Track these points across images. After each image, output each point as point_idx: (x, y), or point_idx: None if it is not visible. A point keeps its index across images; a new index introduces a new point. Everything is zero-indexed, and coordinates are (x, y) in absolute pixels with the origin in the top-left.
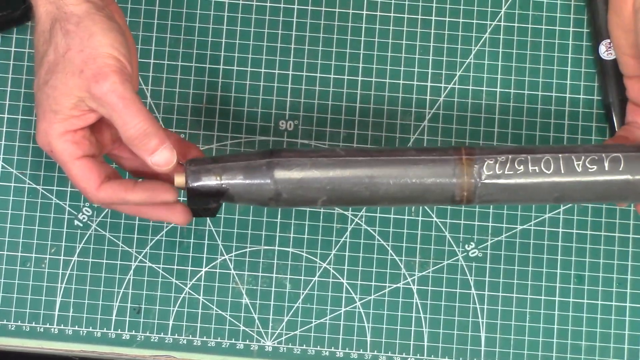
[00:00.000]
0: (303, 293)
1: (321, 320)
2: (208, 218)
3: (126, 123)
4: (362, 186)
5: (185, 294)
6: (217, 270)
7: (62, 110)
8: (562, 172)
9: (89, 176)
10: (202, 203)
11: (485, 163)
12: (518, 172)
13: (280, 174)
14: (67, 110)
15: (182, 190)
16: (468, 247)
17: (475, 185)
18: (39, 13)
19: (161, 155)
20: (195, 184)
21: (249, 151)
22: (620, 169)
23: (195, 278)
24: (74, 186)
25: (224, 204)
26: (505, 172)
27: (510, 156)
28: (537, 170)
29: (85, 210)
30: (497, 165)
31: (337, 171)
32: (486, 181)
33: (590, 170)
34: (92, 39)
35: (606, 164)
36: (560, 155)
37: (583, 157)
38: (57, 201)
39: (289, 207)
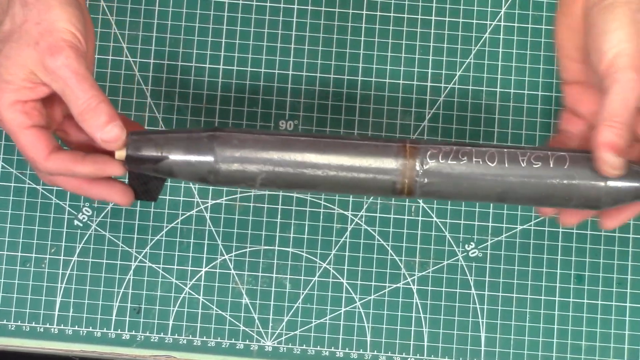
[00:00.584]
0: (303, 293)
1: (321, 320)
2: (209, 221)
3: (78, 98)
4: (302, 167)
5: (185, 294)
6: (217, 270)
7: (13, 80)
8: (506, 165)
9: (38, 145)
10: (142, 178)
11: (429, 152)
12: (461, 163)
13: (221, 147)
14: (19, 80)
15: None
16: (468, 247)
17: (416, 174)
18: None
19: (111, 132)
20: (135, 154)
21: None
22: (565, 167)
23: (195, 278)
24: (22, 156)
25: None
26: (448, 162)
27: (454, 147)
28: (481, 162)
29: (85, 210)
30: (441, 154)
31: (277, 149)
32: (427, 169)
33: (535, 165)
34: (50, 12)
35: (551, 162)
36: (505, 150)
37: (528, 154)
38: (57, 201)
39: (228, 185)
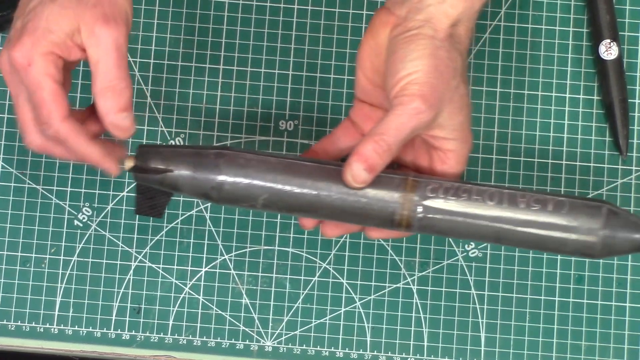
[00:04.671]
0: (303, 293)
1: (321, 320)
2: (209, 221)
3: (108, 73)
4: (305, 189)
5: (185, 294)
6: (217, 270)
7: (57, 31)
8: (505, 205)
9: (60, 102)
10: (149, 193)
11: (430, 186)
12: (461, 199)
13: (226, 165)
14: (62, 33)
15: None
16: (468, 247)
17: (416, 205)
18: None
19: (125, 120)
20: (143, 164)
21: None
22: (564, 212)
23: (195, 278)
24: (37, 108)
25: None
26: (448, 198)
27: (456, 184)
28: (480, 200)
29: (85, 210)
30: (441, 189)
31: (281, 172)
32: (427, 204)
33: (533, 208)
34: None
35: (550, 206)
36: (505, 191)
37: (528, 196)
38: (57, 201)
39: (230, 203)
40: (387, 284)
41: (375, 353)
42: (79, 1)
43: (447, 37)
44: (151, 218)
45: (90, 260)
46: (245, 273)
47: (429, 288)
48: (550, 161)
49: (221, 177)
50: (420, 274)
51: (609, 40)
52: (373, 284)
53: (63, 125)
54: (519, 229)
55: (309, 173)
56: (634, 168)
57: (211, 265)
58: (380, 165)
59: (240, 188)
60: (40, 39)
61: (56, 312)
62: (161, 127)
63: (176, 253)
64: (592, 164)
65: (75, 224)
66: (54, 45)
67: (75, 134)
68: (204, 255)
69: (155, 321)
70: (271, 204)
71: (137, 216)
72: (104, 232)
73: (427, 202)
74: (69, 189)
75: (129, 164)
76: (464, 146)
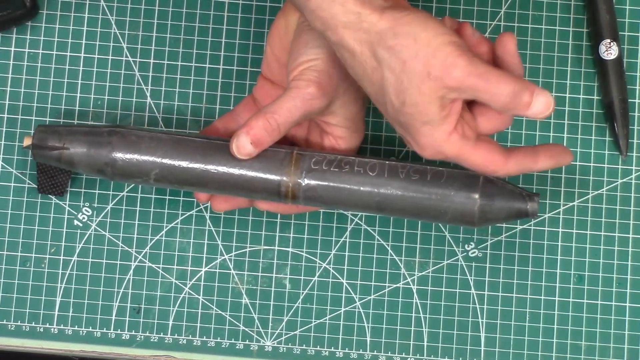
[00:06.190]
0: (303, 293)
1: (321, 320)
2: (209, 221)
3: (494, 95)
4: (194, 164)
5: (185, 294)
6: (217, 270)
7: (433, 120)
8: (385, 175)
9: (493, 157)
10: (49, 172)
11: (314, 159)
12: (343, 171)
13: (118, 142)
14: (437, 115)
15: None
16: (468, 247)
17: (300, 179)
18: (351, 46)
19: (538, 105)
20: (40, 143)
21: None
22: (442, 181)
23: (195, 278)
24: (479, 169)
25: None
26: (331, 169)
27: (339, 157)
28: (362, 172)
29: (85, 210)
30: (325, 162)
31: (171, 148)
32: (311, 175)
33: (413, 178)
34: (418, 40)
35: (429, 175)
36: (387, 162)
37: (408, 167)
38: (57, 201)
39: (124, 179)
40: (387, 284)
41: (375, 353)
42: (416, 87)
43: None
44: (151, 218)
45: (90, 260)
46: (245, 273)
47: (429, 288)
48: None
49: (114, 154)
50: (420, 273)
51: (609, 40)
52: (373, 283)
53: (508, 168)
54: (399, 198)
55: (197, 148)
56: (634, 168)
57: (211, 265)
58: (267, 142)
59: (133, 164)
60: (431, 137)
61: (56, 312)
62: (161, 126)
63: (176, 253)
64: (592, 164)
65: (75, 223)
66: (442, 129)
67: (522, 164)
68: (204, 255)
69: (155, 321)
70: (162, 178)
71: (137, 216)
72: (104, 232)
73: (311, 174)
74: (68, 189)
75: (27, 142)
76: (355, 136)
